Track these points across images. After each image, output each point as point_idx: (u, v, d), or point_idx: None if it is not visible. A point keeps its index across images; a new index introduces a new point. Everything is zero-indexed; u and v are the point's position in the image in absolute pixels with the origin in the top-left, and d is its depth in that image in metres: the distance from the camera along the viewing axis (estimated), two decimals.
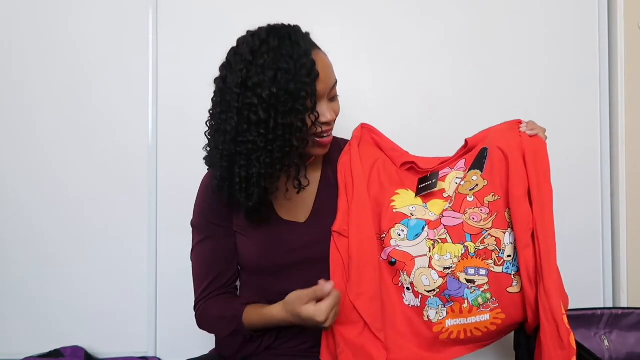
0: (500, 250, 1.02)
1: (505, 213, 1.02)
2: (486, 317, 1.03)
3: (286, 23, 1.00)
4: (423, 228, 1.04)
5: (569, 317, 1.24)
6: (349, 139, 1.23)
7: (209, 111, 1.01)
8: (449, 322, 1.03)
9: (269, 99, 0.90)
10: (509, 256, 1.02)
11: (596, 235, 1.54)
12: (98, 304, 1.49)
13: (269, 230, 1.07)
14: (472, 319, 1.03)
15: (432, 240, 1.03)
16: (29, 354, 1.41)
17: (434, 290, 1.02)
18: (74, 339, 1.47)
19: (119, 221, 1.49)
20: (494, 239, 1.02)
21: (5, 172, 1.49)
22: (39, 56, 1.49)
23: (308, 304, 0.92)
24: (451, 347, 1.05)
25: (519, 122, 1.09)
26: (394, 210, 1.05)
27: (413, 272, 1.03)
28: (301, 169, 1.01)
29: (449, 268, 1.01)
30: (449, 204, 1.05)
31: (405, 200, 1.07)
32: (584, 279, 1.52)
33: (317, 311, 0.91)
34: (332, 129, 1.03)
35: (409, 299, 1.04)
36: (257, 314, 1.02)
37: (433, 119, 1.51)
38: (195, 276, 1.10)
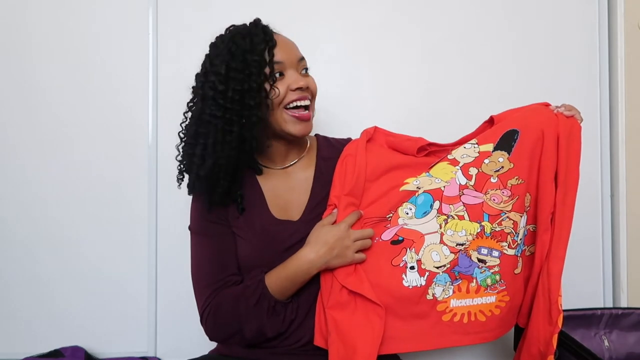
0: (515, 234, 1.03)
1: (525, 197, 1.03)
2: (492, 299, 1.04)
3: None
4: (431, 205, 1.04)
5: (569, 317, 1.25)
6: (346, 138, 1.24)
7: (185, 113, 1.07)
8: (454, 302, 1.03)
9: (227, 71, 0.97)
10: (520, 239, 1.04)
11: (596, 236, 1.54)
12: (98, 304, 1.49)
13: (263, 230, 1.07)
14: (478, 300, 1.03)
15: (445, 215, 1.03)
16: (29, 354, 1.40)
17: (444, 265, 1.02)
18: (74, 339, 1.47)
19: (119, 221, 1.49)
20: (512, 222, 1.03)
21: (6, 171, 1.49)
22: (38, 56, 1.49)
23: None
24: (451, 334, 1.04)
25: (547, 104, 1.08)
26: (400, 190, 1.05)
27: (422, 249, 1.03)
28: (258, 132, 1.01)
29: (462, 244, 1.02)
30: (468, 180, 1.03)
31: (411, 182, 1.07)
32: (584, 278, 1.52)
33: (337, 224, 1.01)
34: (305, 99, 1.04)
35: (412, 279, 1.02)
36: (279, 267, 1.02)
37: (432, 118, 1.51)
38: (199, 278, 1.07)
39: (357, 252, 1.02)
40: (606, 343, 1.29)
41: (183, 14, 1.50)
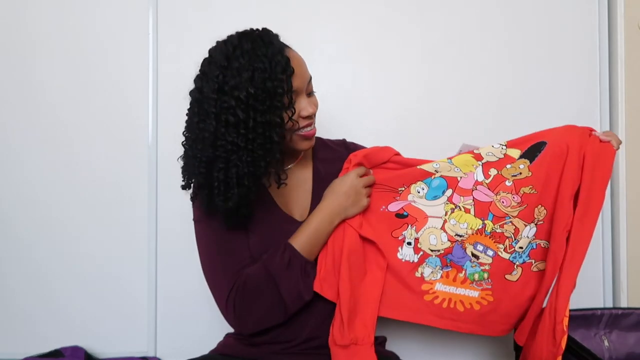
0: (514, 240, 1.05)
1: (536, 209, 1.04)
2: (475, 294, 1.07)
3: (254, 28, 1.02)
4: (443, 192, 1.07)
5: (569, 317, 1.24)
6: (340, 139, 1.24)
7: (186, 122, 1.02)
8: (439, 286, 1.07)
9: (247, 99, 0.91)
10: (520, 247, 1.05)
11: (596, 235, 1.54)
12: (98, 304, 1.49)
13: (272, 222, 1.07)
14: (461, 290, 1.07)
15: (453, 204, 1.06)
16: (29, 354, 1.41)
17: (438, 250, 1.06)
18: (74, 339, 1.47)
19: (119, 221, 1.49)
20: (514, 227, 1.04)
21: (6, 171, 1.49)
22: (38, 56, 1.49)
23: None
24: (427, 313, 1.07)
25: (592, 129, 1.05)
26: (418, 167, 1.07)
27: (422, 229, 1.06)
28: (280, 164, 1.01)
29: (460, 236, 1.05)
30: (485, 178, 1.05)
31: (431, 163, 1.08)
32: (584, 279, 1.51)
33: (346, 174, 1.06)
34: (314, 122, 1.06)
35: (406, 253, 1.07)
36: (302, 226, 1.04)
37: (432, 118, 1.51)
38: (215, 264, 1.03)
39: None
40: (606, 343, 1.29)
41: (183, 14, 1.50)
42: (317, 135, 1.24)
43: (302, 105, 1.01)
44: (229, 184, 0.94)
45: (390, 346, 1.22)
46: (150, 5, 1.49)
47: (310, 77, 1.05)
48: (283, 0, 1.50)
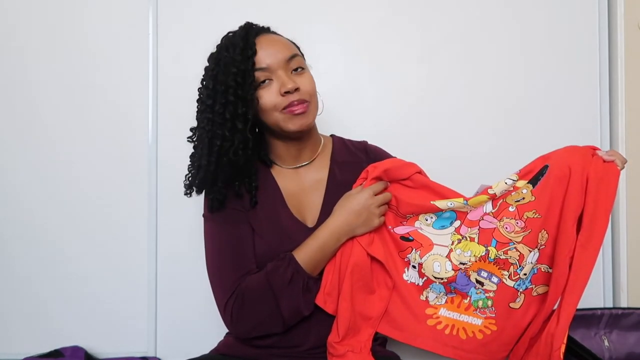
0: (519, 266, 1.02)
1: (540, 234, 1.00)
2: (478, 321, 1.05)
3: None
4: (452, 223, 1.05)
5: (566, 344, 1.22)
6: (353, 139, 1.24)
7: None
8: (443, 311, 1.06)
9: (214, 85, 0.99)
10: (524, 274, 1.02)
11: None
12: (98, 304, 1.49)
13: (281, 225, 1.06)
14: (464, 317, 1.05)
15: (460, 235, 1.04)
16: (29, 354, 1.41)
17: (442, 278, 1.04)
18: (74, 339, 1.47)
19: (119, 221, 1.49)
20: (518, 253, 1.01)
21: (7, 171, 1.49)
22: (39, 56, 1.49)
23: None
24: (429, 338, 1.06)
25: (595, 148, 1.02)
26: (431, 202, 1.04)
27: (427, 255, 1.04)
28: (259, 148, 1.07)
29: (464, 264, 1.03)
30: (492, 208, 1.03)
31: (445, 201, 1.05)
32: None
33: (362, 191, 1.03)
34: (301, 100, 1.02)
35: (411, 275, 1.06)
36: (308, 240, 1.02)
37: (431, 118, 1.51)
38: (219, 265, 1.04)
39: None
40: (606, 343, 1.29)
41: (183, 14, 1.50)
42: (336, 135, 1.24)
43: (280, 82, 1.00)
44: (200, 162, 1.00)
45: (390, 346, 1.22)
46: (150, 5, 1.49)
47: (293, 56, 1.03)
48: (283, 0, 1.50)
